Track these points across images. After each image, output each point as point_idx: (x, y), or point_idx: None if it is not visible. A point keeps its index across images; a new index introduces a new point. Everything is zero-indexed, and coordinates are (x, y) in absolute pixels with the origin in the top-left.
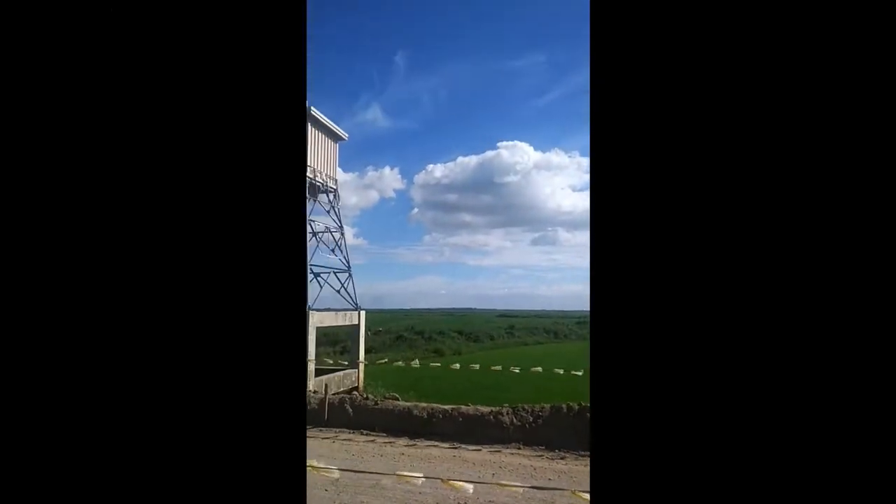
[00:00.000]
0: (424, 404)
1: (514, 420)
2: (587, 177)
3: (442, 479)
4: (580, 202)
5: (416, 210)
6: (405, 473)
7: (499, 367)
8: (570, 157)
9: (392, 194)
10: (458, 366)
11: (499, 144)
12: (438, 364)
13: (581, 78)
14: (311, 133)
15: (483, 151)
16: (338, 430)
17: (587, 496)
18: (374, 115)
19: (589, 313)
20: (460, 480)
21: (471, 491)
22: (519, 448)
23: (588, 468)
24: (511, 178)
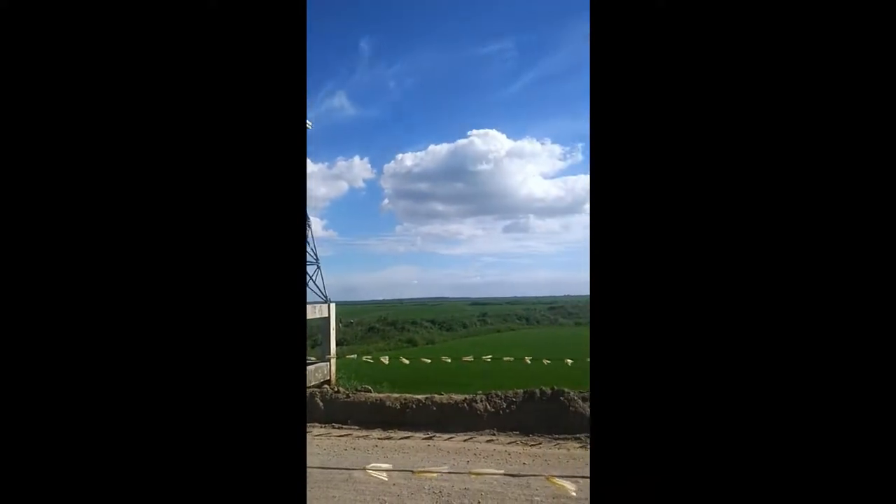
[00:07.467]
0: (397, 395)
1: (489, 406)
2: (560, 164)
3: (413, 471)
4: (552, 189)
5: (387, 200)
6: (376, 467)
7: (470, 358)
8: (542, 144)
9: (362, 184)
10: (429, 360)
11: (470, 133)
12: (408, 361)
13: (551, 61)
14: None
15: (454, 140)
16: (309, 424)
17: (561, 481)
18: (341, 104)
19: (556, 297)
20: (434, 470)
21: (444, 479)
22: (494, 434)
23: (561, 451)
24: (484, 167)
